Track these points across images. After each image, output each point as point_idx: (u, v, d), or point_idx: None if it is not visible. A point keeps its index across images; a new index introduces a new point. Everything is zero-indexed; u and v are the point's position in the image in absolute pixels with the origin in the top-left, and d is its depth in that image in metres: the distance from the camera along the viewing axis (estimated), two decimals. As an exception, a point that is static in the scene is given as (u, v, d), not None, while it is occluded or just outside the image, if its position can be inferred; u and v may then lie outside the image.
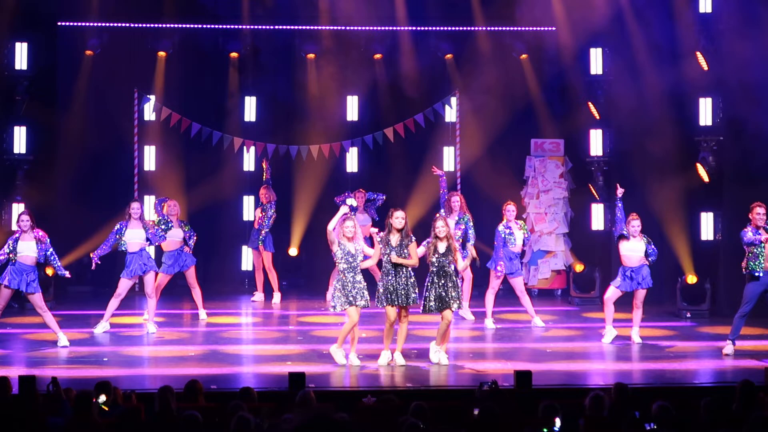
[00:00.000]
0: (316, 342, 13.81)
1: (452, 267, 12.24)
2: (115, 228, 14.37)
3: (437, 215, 12.78)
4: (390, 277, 12.01)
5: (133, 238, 14.34)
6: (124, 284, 14.38)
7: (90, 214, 17.93)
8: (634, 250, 13.76)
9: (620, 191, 14.00)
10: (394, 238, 12.05)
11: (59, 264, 13.62)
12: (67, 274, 13.96)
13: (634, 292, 13.83)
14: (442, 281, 12.12)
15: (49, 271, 16.11)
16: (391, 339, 12.14)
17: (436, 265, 12.14)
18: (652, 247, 13.88)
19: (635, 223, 13.79)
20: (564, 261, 18.84)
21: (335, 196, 17.77)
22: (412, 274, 12.16)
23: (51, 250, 13.38)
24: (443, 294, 12.08)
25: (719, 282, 16.50)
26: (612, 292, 13.91)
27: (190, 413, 7.10)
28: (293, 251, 19.33)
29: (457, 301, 12.19)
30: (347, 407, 7.89)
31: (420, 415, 7.27)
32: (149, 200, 19.04)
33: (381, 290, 12.02)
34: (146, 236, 14.40)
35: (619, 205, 13.93)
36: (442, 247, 12.17)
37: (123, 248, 14.36)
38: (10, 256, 13.14)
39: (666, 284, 16.71)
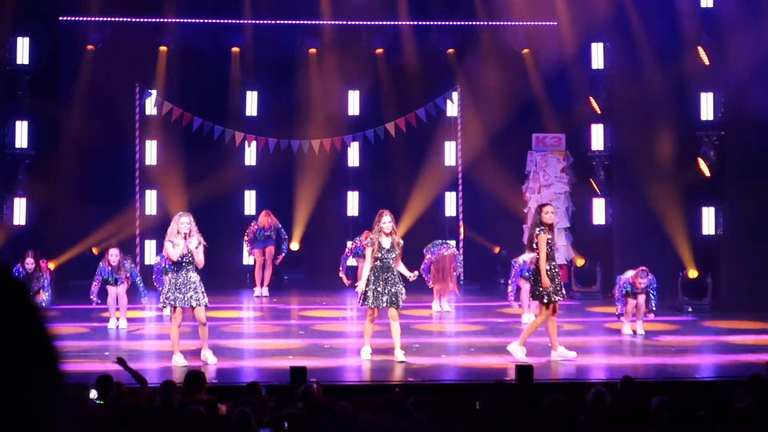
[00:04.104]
0: (317, 336, 13.82)
1: (394, 263, 12.03)
2: (99, 267, 14.47)
3: (382, 210, 12.38)
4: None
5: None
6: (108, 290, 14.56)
7: (91, 208, 17.95)
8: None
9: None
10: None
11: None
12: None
13: (637, 295, 13.97)
14: (384, 277, 11.98)
15: (51, 266, 16.13)
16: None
17: (380, 261, 12.00)
18: (650, 280, 14.04)
19: (642, 281, 13.91)
20: (565, 255, 18.84)
21: (335, 189, 17.73)
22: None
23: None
24: (379, 290, 11.93)
25: (720, 276, 16.50)
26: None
27: (195, 408, 7.10)
28: (294, 246, 19.34)
29: (399, 300, 11.99)
30: (349, 401, 7.89)
31: (419, 409, 7.28)
32: (150, 194, 19.08)
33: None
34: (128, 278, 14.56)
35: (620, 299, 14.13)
36: (386, 242, 12.02)
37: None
38: None
39: (667, 279, 16.71)
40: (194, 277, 11.85)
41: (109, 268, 14.24)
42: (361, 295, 12.09)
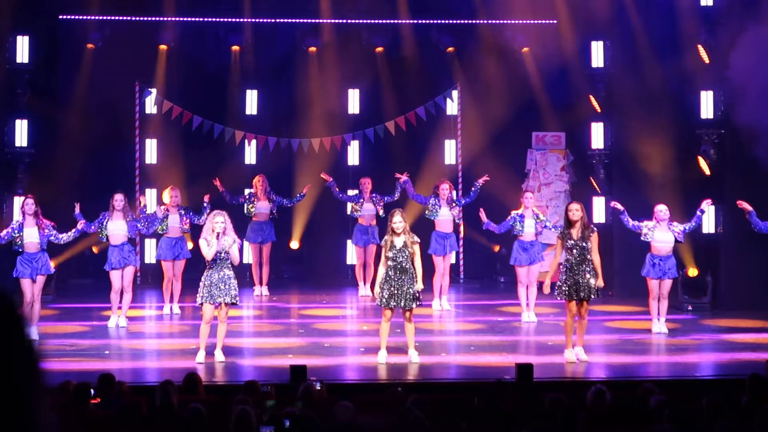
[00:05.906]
0: (317, 335, 13.82)
1: (409, 264, 11.94)
2: (99, 217, 14.47)
3: (394, 210, 12.31)
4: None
5: (116, 230, 14.43)
6: (113, 276, 14.50)
7: (91, 207, 17.89)
8: (662, 241, 14.00)
9: (619, 206, 14.36)
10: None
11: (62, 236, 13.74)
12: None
13: (660, 282, 14.02)
14: (398, 277, 11.91)
15: (51, 264, 16.11)
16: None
17: (393, 260, 11.93)
18: (681, 230, 14.21)
19: (660, 207, 14.05)
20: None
21: (335, 189, 17.70)
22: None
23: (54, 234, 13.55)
24: (396, 291, 11.86)
25: (720, 275, 16.50)
26: (649, 284, 14.17)
27: (195, 407, 7.10)
28: (294, 244, 19.33)
29: (416, 301, 11.94)
30: (349, 400, 7.89)
31: (419, 408, 7.27)
32: (150, 193, 19.05)
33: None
34: (127, 229, 14.47)
35: (625, 218, 14.27)
36: (398, 242, 11.93)
37: (103, 239, 14.44)
38: (17, 240, 13.29)
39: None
40: (229, 274, 11.93)
41: None
42: (377, 296, 12.05)
